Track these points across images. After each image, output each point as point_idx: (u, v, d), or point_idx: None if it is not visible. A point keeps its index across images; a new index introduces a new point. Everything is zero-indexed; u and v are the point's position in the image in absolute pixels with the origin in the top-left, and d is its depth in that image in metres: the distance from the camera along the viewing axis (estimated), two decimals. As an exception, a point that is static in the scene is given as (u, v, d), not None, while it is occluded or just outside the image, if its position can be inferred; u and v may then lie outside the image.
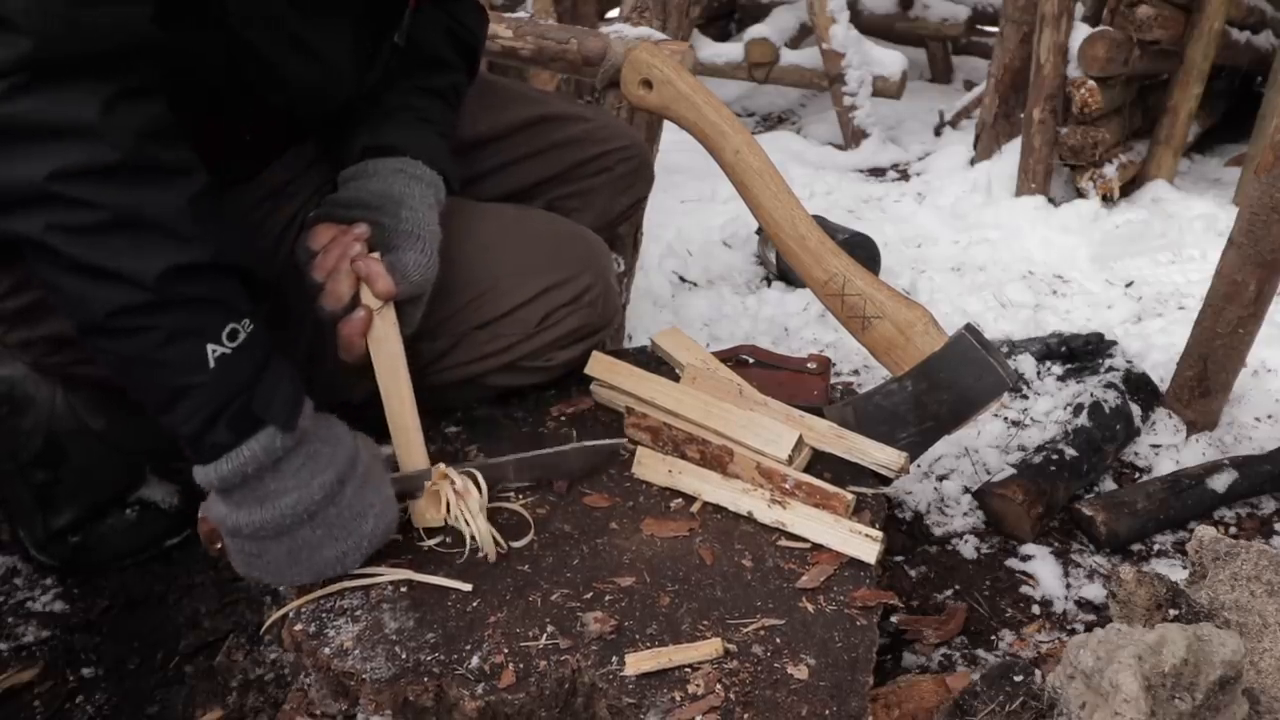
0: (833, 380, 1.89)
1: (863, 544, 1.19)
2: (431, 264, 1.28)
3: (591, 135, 1.66)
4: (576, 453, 1.34)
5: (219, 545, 1.18)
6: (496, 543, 1.20)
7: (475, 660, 1.04)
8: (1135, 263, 2.87)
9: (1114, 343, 2.26)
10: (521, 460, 1.32)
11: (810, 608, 1.13)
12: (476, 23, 1.54)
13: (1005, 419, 2.04)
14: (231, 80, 1.18)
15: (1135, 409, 1.94)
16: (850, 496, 1.26)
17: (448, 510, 1.22)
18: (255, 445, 1.06)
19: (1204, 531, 1.22)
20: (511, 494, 1.30)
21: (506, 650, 1.06)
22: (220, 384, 1.03)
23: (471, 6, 1.53)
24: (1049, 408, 2.06)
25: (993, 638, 1.48)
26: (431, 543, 1.21)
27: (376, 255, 1.24)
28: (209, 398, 1.03)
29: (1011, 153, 3.41)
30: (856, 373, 2.26)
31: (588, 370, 1.46)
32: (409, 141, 1.35)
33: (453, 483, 1.23)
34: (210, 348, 1.02)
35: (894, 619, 1.47)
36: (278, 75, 1.20)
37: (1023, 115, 3.32)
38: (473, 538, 1.20)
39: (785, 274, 2.71)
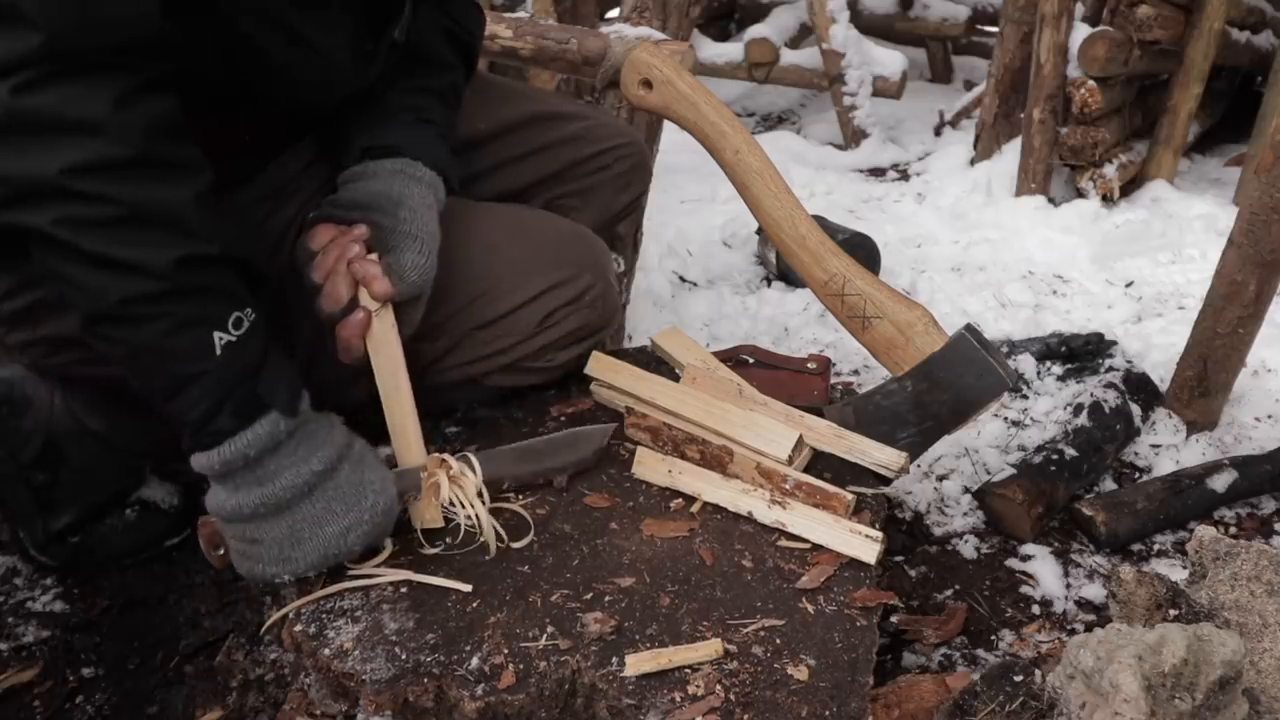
0: (833, 380, 1.89)
1: (863, 544, 1.19)
2: (429, 265, 1.28)
3: (589, 133, 1.65)
4: (573, 438, 1.33)
5: (221, 551, 1.18)
6: (497, 535, 1.20)
7: (475, 661, 1.04)
8: (1135, 263, 2.87)
9: (1114, 343, 2.26)
10: (519, 449, 1.32)
11: (810, 608, 1.13)
12: (474, 22, 1.54)
13: (1005, 419, 2.04)
14: (232, 76, 1.18)
15: (1135, 409, 1.94)
16: (850, 497, 1.26)
17: (447, 499, 1.22)
18: (260, 429, 1.08)
19: (1204, 531, 1.22)
20: (511, 494, 1.30)
21: (506, 651, 1.06)
22: (226, 371, 1.05)
23: (469, 6, 1.53)
24: (1049, 408, 2.06)
25: (993, 638, 1.48)
26: (434, 550, 1.21)
27: (374, 256, 1.24)
28: (215, 384, 1.05)
29: (1011, 153, 3.41)
30: (856, 373, 2.26)
31: (588, 370, 1.46)
32: (408, 142, 1.35)
33: (449, 467, 1.23)
34: (217, 335, 1.04)
35: (894, 619, 1.47)
36: (276, 69, 1.20)
37: (1023, 115, 3.32)
38: (471, 526, 1.20)
39: (785, 274, 2.71)
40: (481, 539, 1.20)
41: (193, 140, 1.05)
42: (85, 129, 0.95)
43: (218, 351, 1.04)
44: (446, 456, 1.25)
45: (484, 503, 1.23)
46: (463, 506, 1.21)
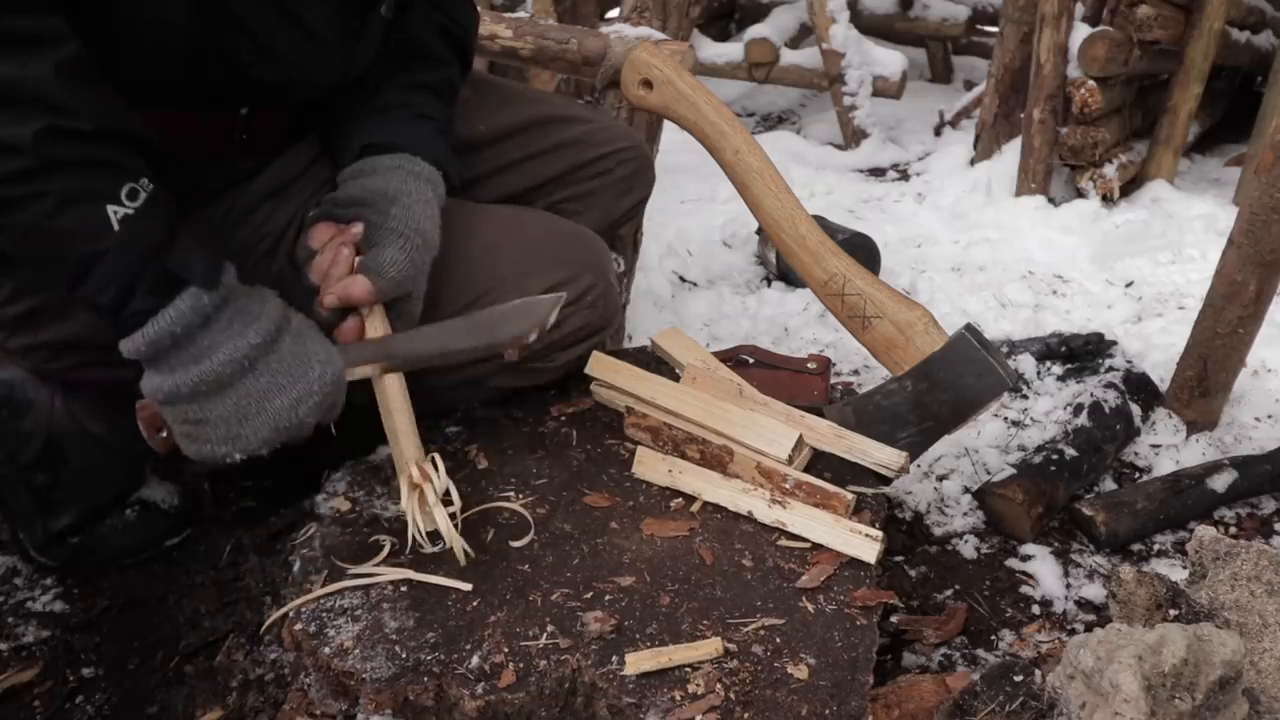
0: (833, 380, 1.89)
1: (863, 544, 1.20)
2: (409, 261, 1.27)
3: (591, 137, 1.65)
4: (519, 309, 1.27)
5: (163, 432, 1.14)
6: (467, 552, 1.18)
7: (475, 660, 1.04)
8: (1135, 263, 2.87)
9: (1114, 343, 2.26)
10: (456, 325, 1.27)
11: (810, 607, 1.13)
12: (469, 19, 1.54)
13: (1005, 419, 2.04)
14: (219, 56, 1.17)
15: (1135, 409, 1.94)
16: (850, 496, 1.26)
17: (406, 509, 1.19)
18: (181, 304, 1.04)
19: (1204, 531, 1.22)
20: (511, 494, 1.30)
21: (506, 650, 1.06)
22: (129, 246, 1.02)
23: (463, 3, 1.53)
24: (1049, 408, 2.06)
25: (993, 638, 1.48)
26: (434, 550, 1.21)
27: (358, 259, 1.24)
28: (121, 261, 1.02)
29: (1011, 153, 3.41)
30: (856, 373, 2.26)
31: (588, 370, 1.47)
32: (406, 138, 1.35)
33: (410, 476, 1.20)
34: (110, 209, 1.00)
35: (894, 619, 1.47)
36: (262, 43, 1.19)
37: (1023, 115, 3.32)
38: (416, 535, 1.18)
39: (785, 274, 2.71)
40: (439, 547, 1.19)
41: (54, 17, 1.01)
42: None
43: (115, 226, 1.00)
44: (412, 464, 1.22)
45: (453, 503, 1.21)
46: (424, 528, 1.18)
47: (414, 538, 1.19)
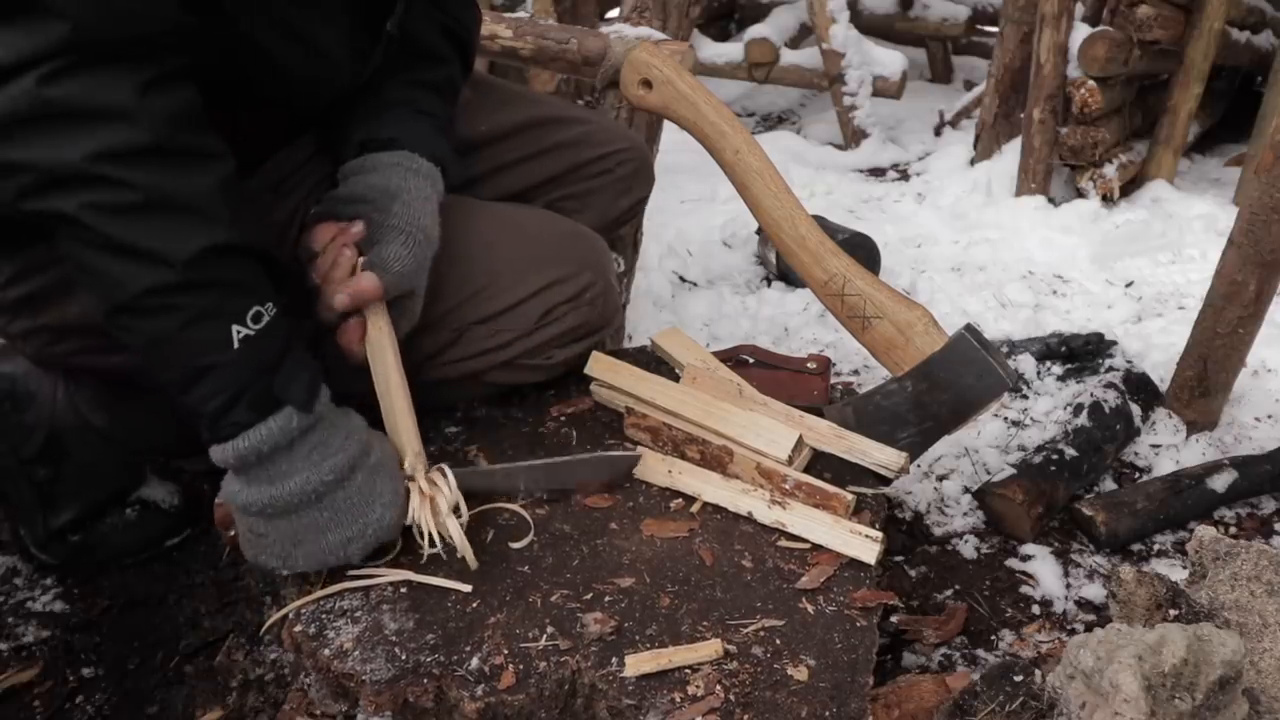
0: (833, 380, 1.89)
1: (863, 544, 1.19)
2: (413, 257, 1.27)
3: (591, 137, 1.65)
4: (593, 462, 1.32)
5: (232, 532, 1.19)
6: (472, 547, 1.17)
7: (475, 661, 1.04)
8: (1135, 263, 2.87)
9: (1114, 343, 2.26)
10: (534, 468, 1.31)
11: (810, 608, 1.13)
12: (470, 18, 1.54)
13: (1005, 419, 2.04)
14: (229, 70, 1.18)
15: (1135, 409, 1.94)
16: (850, 497, 1.26)
17: (414, 520, 1.19)
18: (272, 424, 1.08)
19: (1204, 531, 1.22)
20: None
21: (506, 651, 1.06)
22: (243, 365, 1.06)
23: (465, 2, 1.54)
24: (1049, 408, 2.06)
25: (993, 638, 1.48)
26: (434, 551, 1.20)
27: (362, 258, 1.24)
28: (231, 378, 1.06)
29: (1011, 153, 3.41)
30: (856, 373, 2.26)
31: (588, 370, 1.46)
32: (406, 135, 1.35)
33: (420, 486, 1.20)
34: (235, 328, 1.05)
35: (894, 619, 1.47)
36: (273, 64, 1.21)
37: (1023, 115, 3.32)
38: (431, 540, 1.18)
39: (785, 274, 2.71)
40: (453, 555, 1.19)
41: (214, 131, 1.06)
42: (110, 116, 0.96)
43: (234, 345, 1.05)
44: (418, 471, 1.21)
45: (461, 514, 1.20)
46: (436, 534, 1.18)
47: (425, 547, 1.18)
